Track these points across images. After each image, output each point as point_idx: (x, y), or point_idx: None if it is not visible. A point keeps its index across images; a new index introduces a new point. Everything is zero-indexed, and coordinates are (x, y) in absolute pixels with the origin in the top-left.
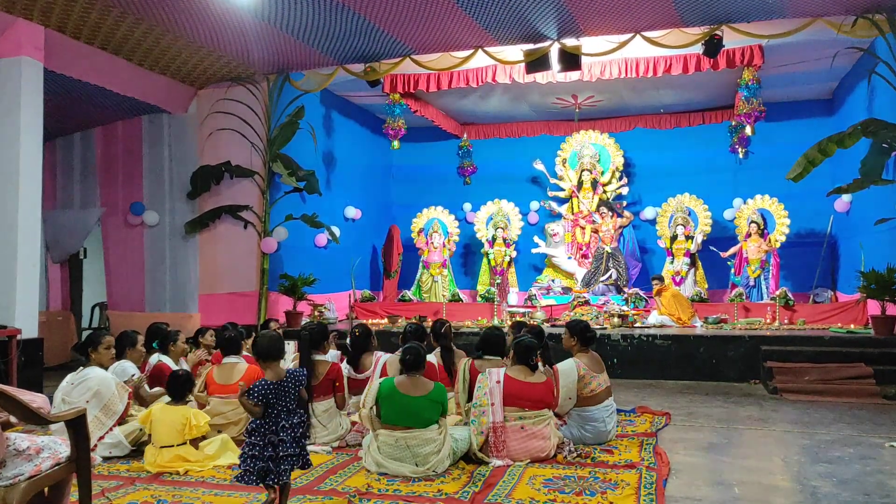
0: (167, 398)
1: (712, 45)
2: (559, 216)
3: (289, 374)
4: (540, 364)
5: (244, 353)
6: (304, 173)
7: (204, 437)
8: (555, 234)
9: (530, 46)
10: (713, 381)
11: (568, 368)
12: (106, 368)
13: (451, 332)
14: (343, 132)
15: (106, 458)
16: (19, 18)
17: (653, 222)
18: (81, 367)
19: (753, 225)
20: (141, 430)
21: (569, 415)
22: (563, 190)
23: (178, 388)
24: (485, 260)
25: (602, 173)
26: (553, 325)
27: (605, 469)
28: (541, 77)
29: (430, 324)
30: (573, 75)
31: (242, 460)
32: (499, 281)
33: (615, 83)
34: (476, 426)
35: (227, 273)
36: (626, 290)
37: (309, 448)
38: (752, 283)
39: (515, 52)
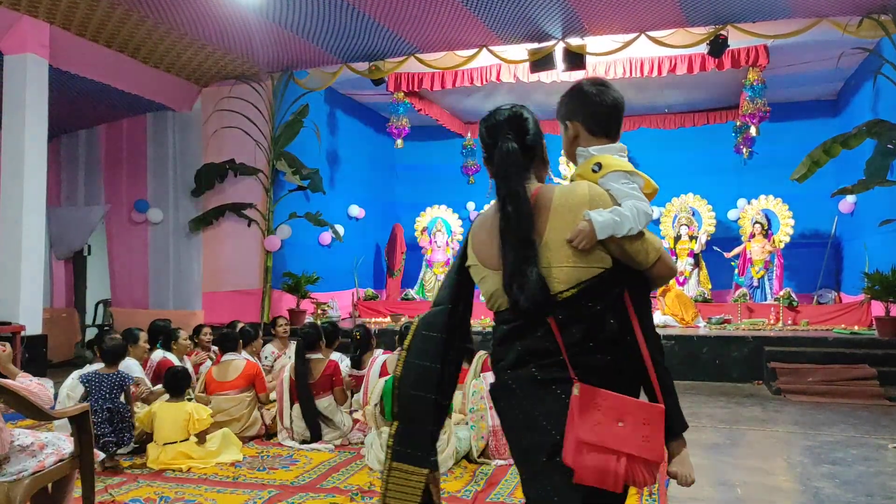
0: (167, 395)
1: (717, 45)
2: None
3: (119, 372)
4: None
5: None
6: (307, 171)
7: (207, 431)
8: None
9: (535, 45)
10: (716, 381)
11: None
12: None
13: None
14: (347, 130)
15: None
16: (25, 15)
17: (656, 222)
18: (88, 364)
19: (757, 225)
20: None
21: None
22: None
23: (176, 384)
24: None
25: None
26: None
27: None
28: (545, 76)
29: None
30: (578, 75)
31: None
32: None
33: (619, 83)
34: (476, 431)
35: (230, 271)
36: None
37: (311, 445)
38: (755, 283)
39: (520, 51)
